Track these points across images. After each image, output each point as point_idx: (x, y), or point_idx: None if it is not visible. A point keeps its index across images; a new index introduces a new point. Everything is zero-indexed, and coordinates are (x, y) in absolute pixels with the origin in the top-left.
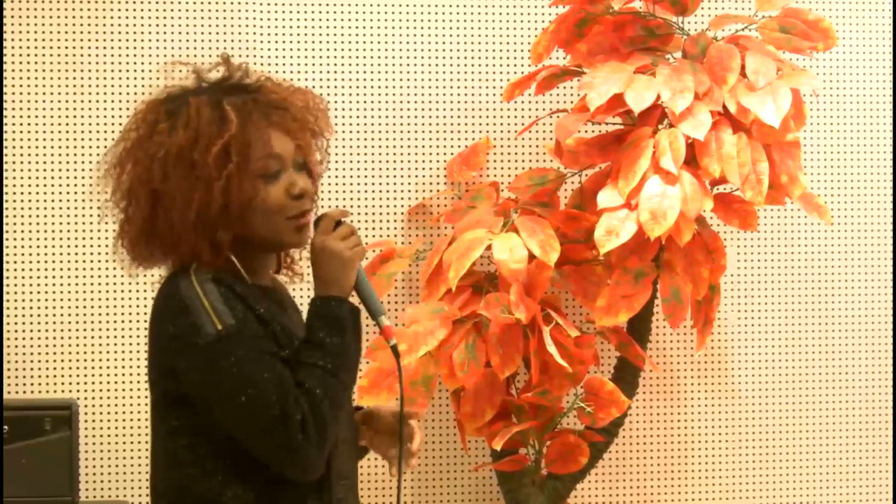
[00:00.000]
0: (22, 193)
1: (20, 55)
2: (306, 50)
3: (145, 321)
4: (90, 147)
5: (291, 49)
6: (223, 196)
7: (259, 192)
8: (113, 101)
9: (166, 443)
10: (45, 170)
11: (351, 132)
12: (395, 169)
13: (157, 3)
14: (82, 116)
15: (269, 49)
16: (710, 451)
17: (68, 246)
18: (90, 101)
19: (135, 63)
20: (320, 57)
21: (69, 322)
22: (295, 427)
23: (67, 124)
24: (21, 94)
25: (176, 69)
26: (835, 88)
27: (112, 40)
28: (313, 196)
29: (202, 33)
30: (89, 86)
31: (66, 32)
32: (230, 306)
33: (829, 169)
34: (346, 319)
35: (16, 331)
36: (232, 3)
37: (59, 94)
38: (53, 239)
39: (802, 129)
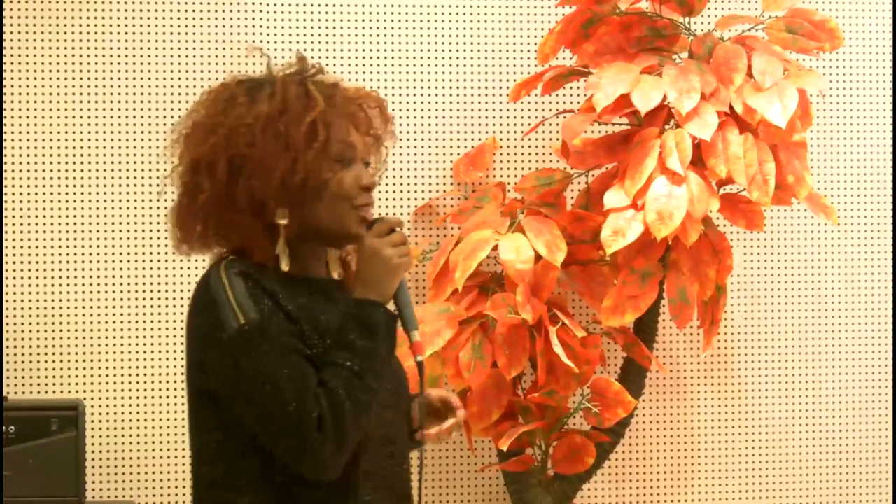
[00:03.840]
0: (26, 191)
1: (24, 52)
2: (314, 50)
3: (151, 321)
4: (95, 144)
5: (299, 48)
6: (306, 170)
7: (336, 174)
8: (119, 97)
9: (198, 437)
10: (49, 167)
11: None
12: (401, 169)
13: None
14: (88, 112)
15: (276, 48)
16: (716, 452)
17: (74, 245)
18: (97, 97)
19: (139, 59)
20: (327, 57)
21: (75, 322)
22: (311, 424)
23: (73, 120)
24: (26, 88)
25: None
26: (842, 89)
27: (119, 35)
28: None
29: (210, 28)
30: (95, 80)
31: (72, 27)
32: (255, 301)
33: (836, 169)
34: (380, 324)
35: (22, 331)
36: (240, 3)
37: (65, 88)
38: (59, 238)
39: (809, 130)
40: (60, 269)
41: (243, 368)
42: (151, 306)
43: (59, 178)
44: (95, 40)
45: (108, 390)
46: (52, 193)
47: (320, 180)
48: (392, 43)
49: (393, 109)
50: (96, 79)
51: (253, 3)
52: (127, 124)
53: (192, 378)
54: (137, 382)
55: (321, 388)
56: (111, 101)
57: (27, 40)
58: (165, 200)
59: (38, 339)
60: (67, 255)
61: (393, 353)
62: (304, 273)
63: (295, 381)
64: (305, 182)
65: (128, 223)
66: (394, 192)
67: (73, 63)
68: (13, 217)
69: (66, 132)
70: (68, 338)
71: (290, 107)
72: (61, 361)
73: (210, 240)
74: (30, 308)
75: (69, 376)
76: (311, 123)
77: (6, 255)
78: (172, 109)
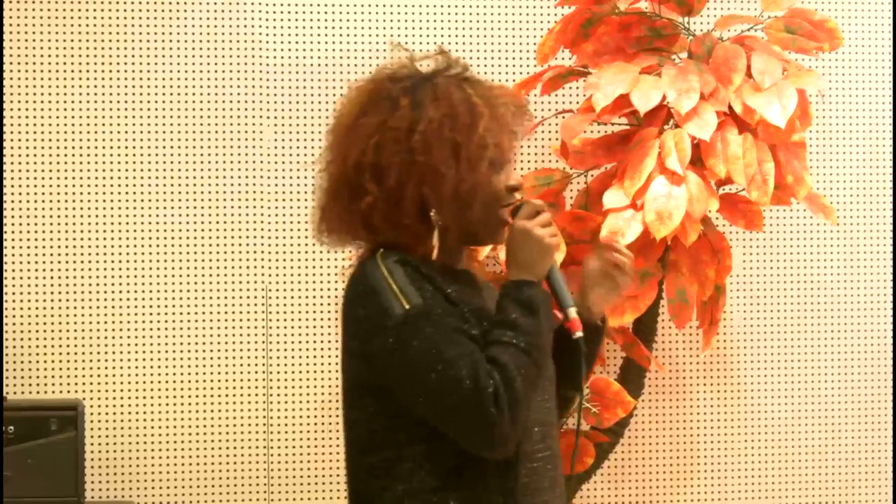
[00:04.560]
0: (27, 191)
1: (26, 51)
2: (313, 50)
3: (151, 321)
4: (96, 144)
5: (297, 48)
6: (474, 179)
7: (491, 178)
8: (121, 96)
9: (357, 429)
10: (49, 167)
11: None
12: None
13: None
14: (88, 112)
15: (274, 47)
16: (715, 452)
17: (74, 245)
18: (100, 97)
19: (143, 58)
20: (327, 58)
21: (75, 322)
22: (488, 401)
23: (73, 119)
24: (18, 88)
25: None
26: (841, 89)
27: (122, 34)
28: None
29: (213, 27)
30: (98, 80)
31: (74, 27)
32: (417, 286)
33: (835, 169)
34: (540, 302)
35: (22, 331)
36: (240, 3)
37: (68, 88)
38: (59, 238)
39: (808, 130)
40: (60, 269)
41: (413, 352)
42: (151, 306)
43: (59, 178)
44: (98, 40)
45: (107, 390)
46: (52, 193)
47: (481, 184)
48: (391, 43)
49: None
50: (100, 79)
51: (256, 3)
52: (128, 124)
53: (353, 369)
54: (137, 382)
55: (491, 365)
56: (113, 101)
57: (29, 40)
58: (167, 200)
59: (37, 339)
60: (68, 255)
61: (552, 330)
62: (449, 264)
63: (466, 359)
64: (473, 189)
65: (128, 223)
66: None
67: (75, 63)
68: (13, 217)
69: (67, 132)
70: (68, 338)
71: (457, 113)
72: (61, 361)
73: (364, 236)
74: (30, 308)
75: (69, 376)
76: (482, 133)
77: (6, 254)
78: (174, 109)
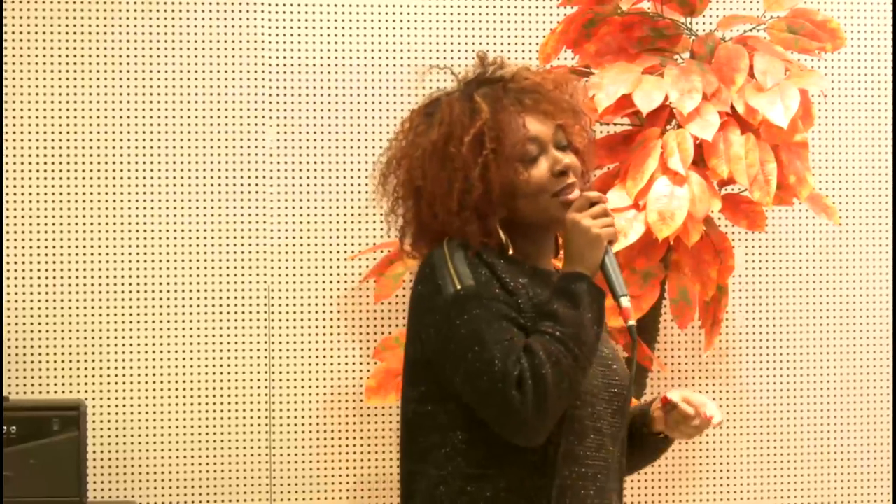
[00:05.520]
0: (27, 190)
1: (20, 49)
2: (312, 51)
3: (153, 320)
4: (93, 142)
5: (295, 49)
6: (482, 182)
7: (521, 174)
8: (113, 95)
9: (411, 409)
10: (49, 166)
11: (359, 133)
12: None
13: None
14: (90, 111)
15: (270, 46)
16: (718, 452)
17: (75, 245)
18: (91, 95)
19: (135, 56)
20: (326, 58)
21: (76, 322)
22: (511, 384)
23: (75, 118)
24: (21, 88)
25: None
26: (843, 89)
27: (112, 33)
28: (580, 172)
29: (202, 26)
30: (89, 80)
31: (66, 26)
32: (473, 269)
33: (838, 169)
34: (583, 295)
35: (23, 331)
36: (240, 3)
37: (59, 87)
38: (60, 238)
39: (810, 130)
40: (61, 269)
41: (456, 331)
42: (154, 306)
43: (60, 177)
44: (99, 40)
45: (109, 390)
46: (52, 193)
47: (505, 186)
48: (393, 43)
49: (396, 109)
50: (102, 79)
51: (256, 3)
52: (129, 124)
53: (410, 348)
54: (138, 382)
55: (524, 352)
56: (115, 101)
57: (29, 40)
58: (169, 200)
59: (39, 338)
60: (68, 254)
61: (600, 324)
62: (529, 261)
63: (503, 344)
64: (487, 193)
65: (130, 223)
66: None
67: (76, 63)
68: (13, 216)
69: (70, 132)
70: (69, 338)
71: (454, 128)
72: (63, 361)
73: (432, 240)
74: (31, 308)
75: (70, 376)
76: (475, 137)
77: (6, 254)
78: (176, 109)
